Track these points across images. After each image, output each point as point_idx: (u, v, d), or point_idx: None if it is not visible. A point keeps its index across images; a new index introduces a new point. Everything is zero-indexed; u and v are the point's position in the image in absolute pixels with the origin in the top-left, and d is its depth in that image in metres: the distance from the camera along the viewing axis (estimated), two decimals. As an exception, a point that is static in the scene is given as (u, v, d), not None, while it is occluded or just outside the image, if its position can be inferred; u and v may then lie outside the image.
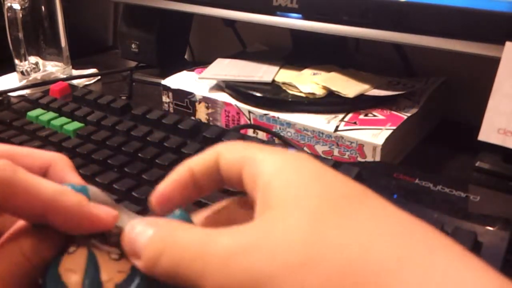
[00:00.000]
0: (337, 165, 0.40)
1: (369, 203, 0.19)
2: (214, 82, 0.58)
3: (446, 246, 0.18)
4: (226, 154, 0.23)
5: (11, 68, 0.69)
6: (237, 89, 0.55)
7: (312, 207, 0.18)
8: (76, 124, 0.52)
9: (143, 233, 0.20)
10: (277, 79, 0.56)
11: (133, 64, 0.78)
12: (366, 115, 0.50)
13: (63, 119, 0.53)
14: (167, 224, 0.21)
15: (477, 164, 0.47)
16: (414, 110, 0.51)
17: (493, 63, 0.41)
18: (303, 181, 0.20)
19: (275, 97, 0.52)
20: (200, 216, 0.25)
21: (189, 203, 0.24)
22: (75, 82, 0.71)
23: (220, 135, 0.46)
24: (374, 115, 0.50)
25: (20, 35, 0.65)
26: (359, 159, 0.47)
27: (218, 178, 0.23)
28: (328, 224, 0.18)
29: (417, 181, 0.38)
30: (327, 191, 0.19)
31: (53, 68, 0.72)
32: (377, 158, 0.45)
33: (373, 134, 0.46)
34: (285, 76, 0.56)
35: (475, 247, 0.31)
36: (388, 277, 0.16)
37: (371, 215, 0.19)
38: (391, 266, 0.16)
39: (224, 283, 0.17)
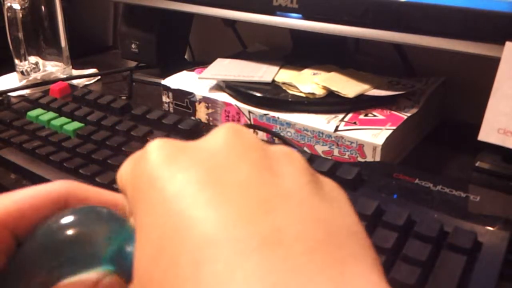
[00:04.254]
0: (337, 165, 0.40)
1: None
2: (214, 82, 0.58)
3: None
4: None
5: (11, 68, 0.69)
6: (237, 89, 0.55)
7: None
8: (76, 124, 0.52)
9: None
10: (277, 79, 0.56)
11: (133, 64, 0.78)
12: (366, 115, 0.50)
13: (63, 119, 0.53)
14: None
15: (477, 164, 0.47)
16: (414, 110, 0.51)
17: (493, 63, 0.41)
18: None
19: (275, 97, 0.52)
20: None
21: None
22: (75, 82, 0.71)
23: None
24: (374, 115, 0.50)
25: (20, 35, 0.65)
26: (359, 159, 0.47)
27: None
28: None
29: (417, 181, 0.38)
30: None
31: (53, 68, 0.72)
32: (377, 158, 0.45)
33: (373, 134, 0.46)
34: (285, 76, 0.56)
35: (475, 247, 0.31)
36: None
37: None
38: None
39: None
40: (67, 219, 0.20)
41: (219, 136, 0.19)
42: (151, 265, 0.16)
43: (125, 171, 0.20)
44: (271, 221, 0.15)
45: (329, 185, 0.19)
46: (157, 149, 0.18)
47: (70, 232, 0.20)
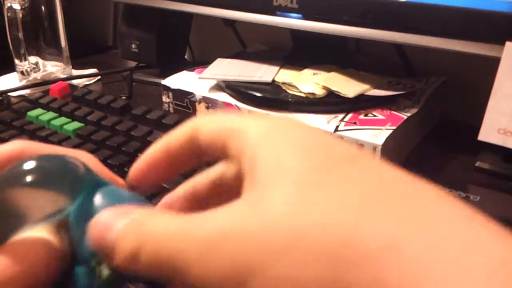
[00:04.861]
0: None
1: (362, 164, 0.17)
2: (214, 82, 0.58)
3: (455, 215, 0.15)
4: (206, 127, 0.21)
5: (11, 68, 0.69)
6: (237, 89, 0.55)
7: (298, 178, 0.16)
8: (76, 124, 0.52)
9: (112, 225, 0.18)
10: (277, 79, 0.56)
11: (133, 64, 0.78)
12: (366, 115, 0.50)
13: (63, 119, 0.53)
14: (139, 212, 0.19)
15: (477, 164, 0.47)
16: (414, 110, 0.51)
17: (493, 63, 0.41)
18: (289, 149, 0.18)
19: (275, 97, 0.52)
20: (180, 192, 0.24)
21: (169, 179, 0.24)
22: (75, 82, 0.71)
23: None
24: (374, 115, 0.50)
25: (20, 35, 0.65)
26: (359, 159, 0.46)
27: (197, 153, 0.22)
28: (314, 195, 0.16)
29: (417, 181, 0.38)
30: (314, 155, 0.17)
31: (53, 68, 0.72)
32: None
33: (373, 134, 0.46)
34: (285, 76, 0.56)
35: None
36: (380, 259, 0.14)
37: (364, 179, 0.16)
38: (385, 243, 0.14)
39: (207, 272, 0.16)
40: (16, 167, 0.20)
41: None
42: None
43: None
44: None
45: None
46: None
47: (20, 182, 0.20)
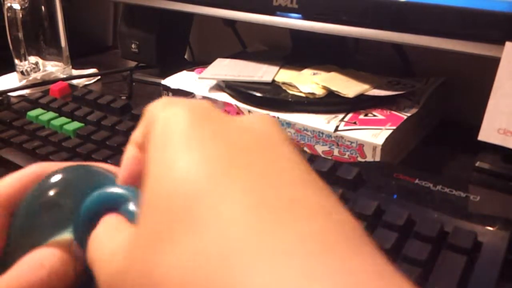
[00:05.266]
0: (337, 165, 0.40)
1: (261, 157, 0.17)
2: (214, 82, 0.58)
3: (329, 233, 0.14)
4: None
5: (11, 68, 0.69)
6: (237, 89, 0.55)
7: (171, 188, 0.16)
8: (76, 124, 0.52)
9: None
10: (277, 79, 0.56)
11: (133, 64, 0.78)
12: (366, 115, 0.50)
13: (63, 119, 0.53)
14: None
15: (477, 164, 0.47)
16: (414, 110, 0.51)
17: (493, 63, 0.41)
18: (177, 147, 0.17)
19: (275, 97, 0.52)
20: None
21: None
22: (75, 82, 0.71)
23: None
24: (374, 115, 0.50)
25: (20, 35, 0.65)
26: (359, 159, 0.47)
27: None
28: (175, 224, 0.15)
29: (417, 181, 0.38)
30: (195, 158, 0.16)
31: (53, 68, 0.72)
32: (377, 158, 0.45)
33: (373, 134, 0.46)
34: (285, 76, 0.56)
35: (475, 247, 0.31)
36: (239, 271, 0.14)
37: (253, 183, 0.16)
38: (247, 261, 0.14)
39: None
40: (42, 185, 0.22)
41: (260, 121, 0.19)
42: (152, 241, 0.16)
43: (154, 111, 0.20)
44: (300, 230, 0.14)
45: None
46: (200, 112, 0.18)
47: (47, 195, 0.22)
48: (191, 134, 0.17)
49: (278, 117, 0.51)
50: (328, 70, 0.56)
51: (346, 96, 0.51)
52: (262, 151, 0.17)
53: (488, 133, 0.42)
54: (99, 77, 0.76)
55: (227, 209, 0.15)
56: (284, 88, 0.54)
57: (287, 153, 0.18)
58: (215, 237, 0.14)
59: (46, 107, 0.56)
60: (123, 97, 0.67)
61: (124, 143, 0.47)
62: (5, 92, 0.63)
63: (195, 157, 0.16)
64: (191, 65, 0.66)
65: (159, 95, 0.61)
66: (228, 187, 0.15)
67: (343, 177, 0.38)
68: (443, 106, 0.60)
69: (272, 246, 0.14)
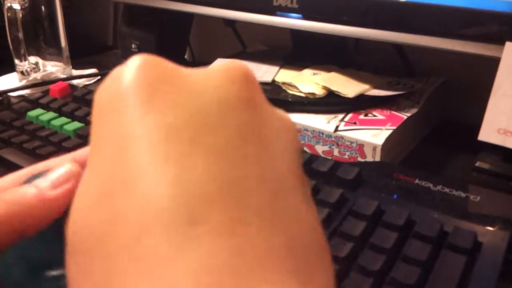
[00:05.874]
0: (337, 165, 0.40)
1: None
2: (214, 82, 0.58)
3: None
4: None
5: (11, 68, 0.69)
6: (237, 89, 0.55)
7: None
8: (76, 124, 0.52)
9: None
10: (277, 79, 0.56)
11: (133, 64, 0.78)
12: (366, 115, 0.50)
13: (63, 119, 0.53)
14: None
15: (477, 164, 0.47)
16: (414, 110, 0.51)
17: (493, 63, 0.41)
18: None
19: (275, 97, 0.52)
20: None
21: None
22: (75, 82, 0.71)
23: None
24: (374, 115, 0.50)
25: (20, 35, 0.65)
26: (359, 159, 0.47)
27: None
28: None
29: (417, 181, 0.38)
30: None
31: (53, 68, 0.72)
32: (377, 158, 0.45)
33: (373, 134, 0.46)
34: (285, 76, 0.56)
35: (475, 247, 0.31)
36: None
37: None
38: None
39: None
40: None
41: (219, 79, 0.16)
42: (90, 215, 0.14)
43: (101, 90, 0.17)
44: (233, 212, 0.13)
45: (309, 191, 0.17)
46: (138, 68, 0.16)
47: None
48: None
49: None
50: (328, 70, 0.56)
51: (346, 96, 0.51)
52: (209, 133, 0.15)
53: (488, 133, 0.42)
54: (99, 77, 0.76)
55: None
56: (284, 88, 0.54)
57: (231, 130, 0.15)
58: None
59: (46, 107, 0.56)
60: (123, 97, 0.67)
61: (124, 143, 0.47)
62: (5, 92, 0.63)
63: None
64: (191, 65, 0.66)
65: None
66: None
67: (343, 177, 0.38)
68: (443, 106, 0.60)
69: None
